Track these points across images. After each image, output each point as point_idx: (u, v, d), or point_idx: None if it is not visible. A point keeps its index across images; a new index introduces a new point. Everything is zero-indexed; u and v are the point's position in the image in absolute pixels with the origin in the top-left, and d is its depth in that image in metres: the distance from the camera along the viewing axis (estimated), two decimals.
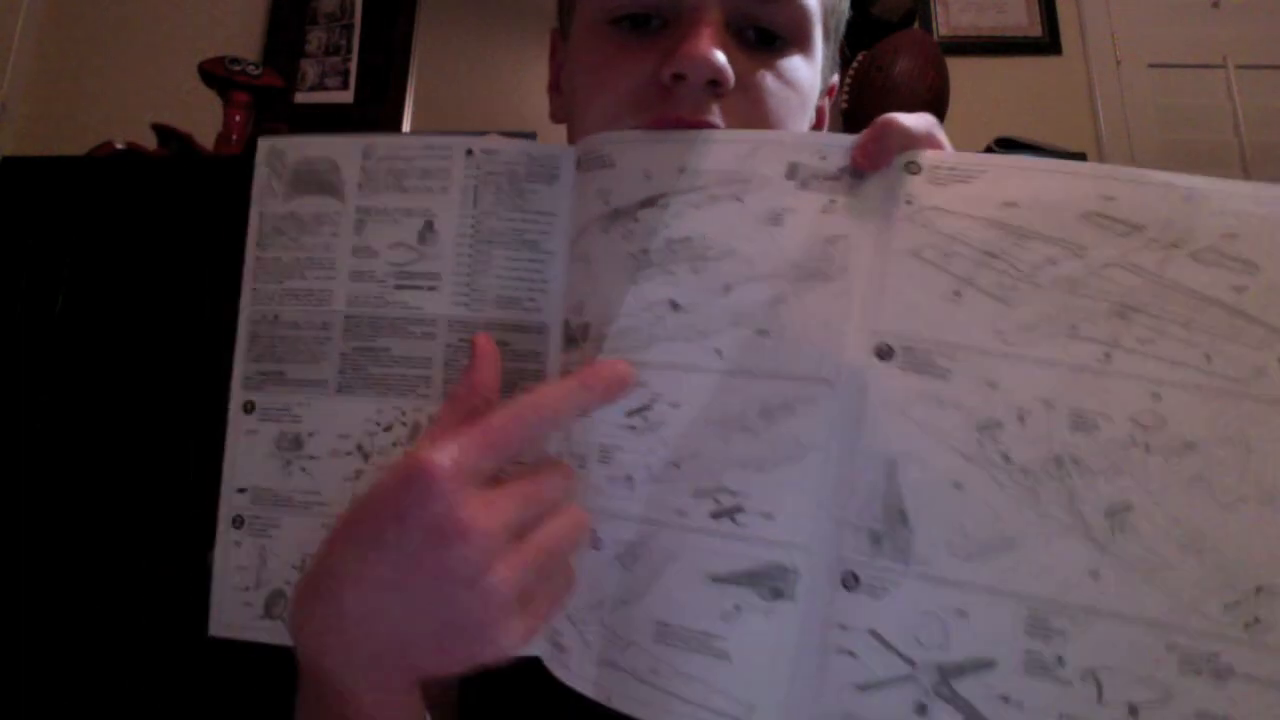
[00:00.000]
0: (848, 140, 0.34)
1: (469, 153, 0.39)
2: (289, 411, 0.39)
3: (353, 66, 1.67)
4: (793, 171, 0.34)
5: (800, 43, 0.43)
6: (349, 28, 1.69)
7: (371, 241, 0.39)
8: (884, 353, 0.32)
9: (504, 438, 0.30)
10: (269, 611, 0.38)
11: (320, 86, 1.66)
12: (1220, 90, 1.66)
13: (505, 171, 0.39)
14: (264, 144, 0.41)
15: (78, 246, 1.16)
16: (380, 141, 0.40)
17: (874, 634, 0.31)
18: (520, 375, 0.37)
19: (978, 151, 1.40)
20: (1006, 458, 0.30)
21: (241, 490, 0.39)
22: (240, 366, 0.40)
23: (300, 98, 1.65)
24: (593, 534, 0.35)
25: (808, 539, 0.32)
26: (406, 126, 1.63)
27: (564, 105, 0.49)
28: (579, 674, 0.35)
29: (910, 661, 0.30)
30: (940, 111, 1.39)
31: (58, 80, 1.71)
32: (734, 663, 0.32)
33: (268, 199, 0.41)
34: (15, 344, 1.13)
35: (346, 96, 1.65)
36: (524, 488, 0.31)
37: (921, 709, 0.30)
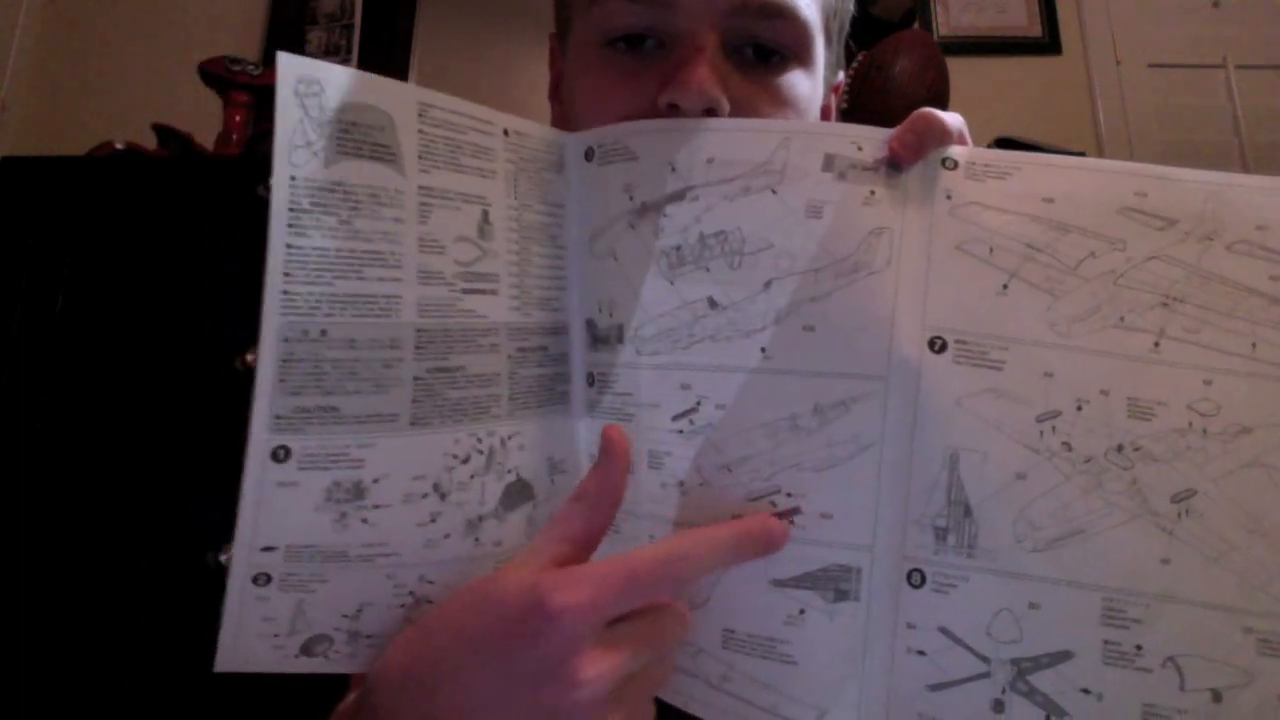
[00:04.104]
0: (883, 133, 0.34)
1: (505, 132, 0.35)
2: (346, 456, 0.30)
3: (353, 66, 1.67)
4: (829, 163, 0.34)
5: (799, 57, 0.43)
6: (349, 28, 1.69)
7: (438, 231, 0.32)
8: (937, 346, 0.32)
9: (644, 587, 0.28)
10: (308, 651, 0.32)
11: None
12: (1220, 90, 1.66)
13: (533, 157, 0.36)
14: (289, 65, 0.29)
15: (78, 246, 1.16)
16: (438, 100, 0.32)
17: (944, 631, 0.30)
18: (555, 380, 0.36)
19: None
20: (1068, 447, 0.30)
21: (269, 549, 0.30)
22: (268, 401, 0.29)
23: None
24: (651, 540, 0.34)
25: (869, 538, 0.32)
26: None
27: (563, 115, 0.49)
28: None
29: (984, 658, 0.30)
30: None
31: (58, 80, 1.71)
32: (801, 667, 0.32)
33: (302, 154, 0.29)
34: (15, 344, 1.13)
35: None
36: (643, 633, 0.29)
37: (999, 705, 0.30)
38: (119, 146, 1.29)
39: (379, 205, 0.30)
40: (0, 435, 1.10)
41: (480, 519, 0.33)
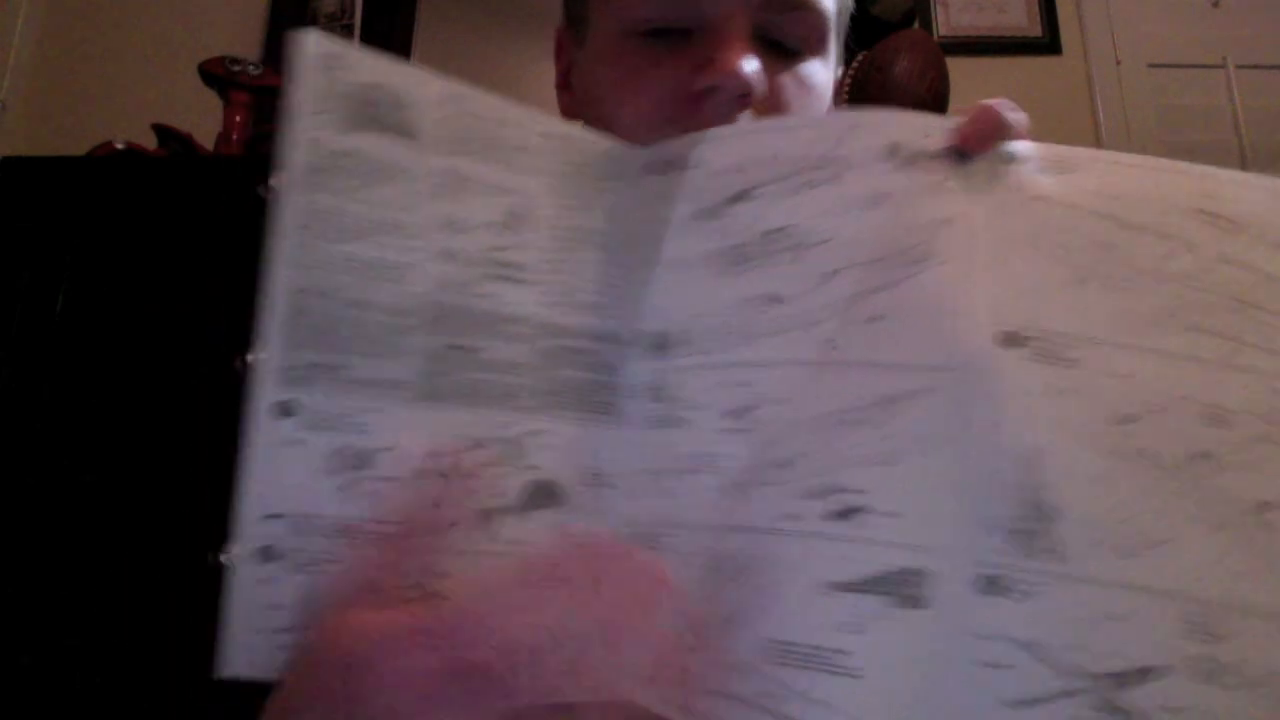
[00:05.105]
0: (949, 121, 0.33)
1: (549, 135, 0.35)
2: (351, 419, 0.30)
3: None
4: (893, 151, 0.33)
5: (818, 48, 0.44)
6: (349, 28, 1.70)
7: (461, 213, 0.32)
8: (1010, 341, 0.30)
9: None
10: None
11: None
12: (1220, 90, 1.66)
13: (583, 161, 0.35)
14: (309, 39, 0.31)
15: (78, 246, 1.16)
16: (466, 94, 0.33)
17: (1024, 644, 0.27)
18: (600, 388, 0.34)
19: None
20: (1148, 452, 0.28)
21: (275, 516, 0.29)
22: (275, 353, 0.29)
23: None
24: (707, 549, 0.32)
25: (940, 539, 0.29)
26: None
27: (576, 105, 0.49)
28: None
29: (1069, 673, 0.27)
30: (940, 111, 1.39)
31: (58, 80, 1.71)
32: (867, 681, 0.28)
33: (318, 120, 0.30)
34: (15, 344, 1.13)
35: None
36: None
37: None
38: (119, 146, 1.29)
39: (394, 177, 0.31)
40: (0, 435, 1.10)
41: (497, 513, 0.32)
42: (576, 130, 0.36)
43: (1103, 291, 0.30)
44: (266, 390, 0.29)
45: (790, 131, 0.34)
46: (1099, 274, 0.30)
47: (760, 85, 0.40)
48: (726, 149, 0.34)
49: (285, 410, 0.29)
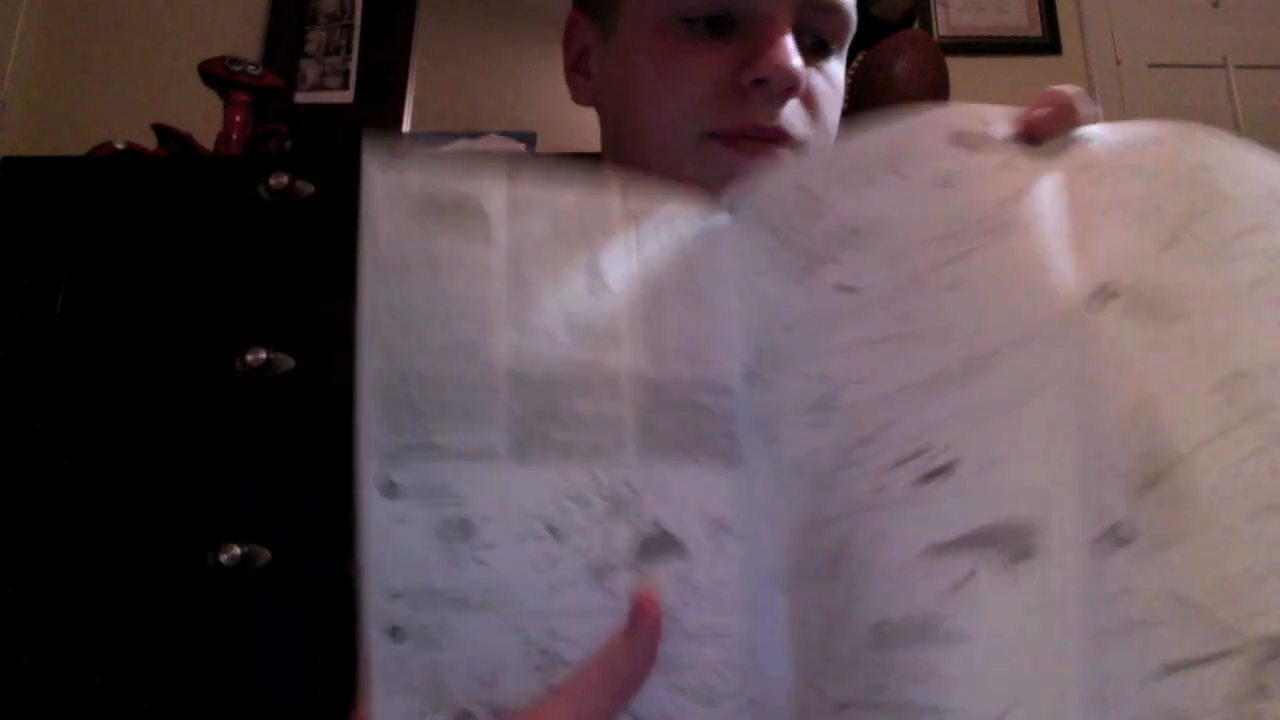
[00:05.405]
0: (1012, 111, 0.33)
1: (623, 196, 0.35)
2: (449, 491, 0.31)
3: (353, 66, 1.67)
4: (958, 139, 0.33)
5: (839, 47, 0.46)
6: (349, 28, 1.69)
7: (533, 288, 0.33)
8: (1104, 296, 0.29)
9: None
10: None
11: (320, 86, 1.66)
12: (1220, 90, 1.66)
13: (657, 212, 0.36)
14: (375, 160, 0.33)
15: (78, 246, 1.16)
16: (527, 169, 0.35)
17: (1174, 595, 0.24)
18: (711, 436, 0.33)
19: None
20: (1264, 411, 0.27)
21: (397, 595, 0.30)
22: (374, 439, 0.31)
23: (300, 98, 1.65)
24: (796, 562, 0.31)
25: (1050, 485, 0.27)
26: (407, 126, 1.63)
27: (594, 91, 0.50)
28: None
29: (1228, 630, 0.24)
30: None
31: (58, 80, 1.71)
32: (975, 644, 0.25)
33: (385, 228, 0.32)
34: (15, 344, 1.13)
35: (346, 96, 1.65)
36: None
37: (1261, 691, 0.24)
38: (119, 146, 1.29)
39: (463, 268, 0.32)
40: (0, 435, 1.10)
41: (609, 568, 0.32)
42: (648, 184, 0.36)
43: (1194, 256, 0.29)
44: (370, 473, 0.30)
45: (854, 145, 0.34)
46: (1187, 237, 0.29)
47: (806, 81, 0.41)
48: (784, 179, 0.35)
49: (390, 491, 0.31)
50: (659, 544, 0.32)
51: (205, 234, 1.16)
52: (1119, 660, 0.24)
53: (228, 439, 1.08)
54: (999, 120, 0.33)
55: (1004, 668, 0.25)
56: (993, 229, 0.30)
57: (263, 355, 1.08)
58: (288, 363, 1.09)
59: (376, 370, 0.31)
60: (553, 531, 0.31)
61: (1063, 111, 0.32)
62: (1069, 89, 0.33)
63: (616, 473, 0.31)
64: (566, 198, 0.34)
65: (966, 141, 0.32)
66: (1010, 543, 0.26)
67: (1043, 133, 0.32)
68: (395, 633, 0.30)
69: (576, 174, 0.35)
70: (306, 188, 1.13)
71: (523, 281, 0.33)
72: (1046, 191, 0.31)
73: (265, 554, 1.03)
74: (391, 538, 0.30)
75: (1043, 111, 0.32)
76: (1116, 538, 0.25)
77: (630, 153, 0.47)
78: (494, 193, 0.33)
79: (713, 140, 0.43)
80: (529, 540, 0.30)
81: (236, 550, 1.02)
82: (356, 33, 1.69)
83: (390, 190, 0.32)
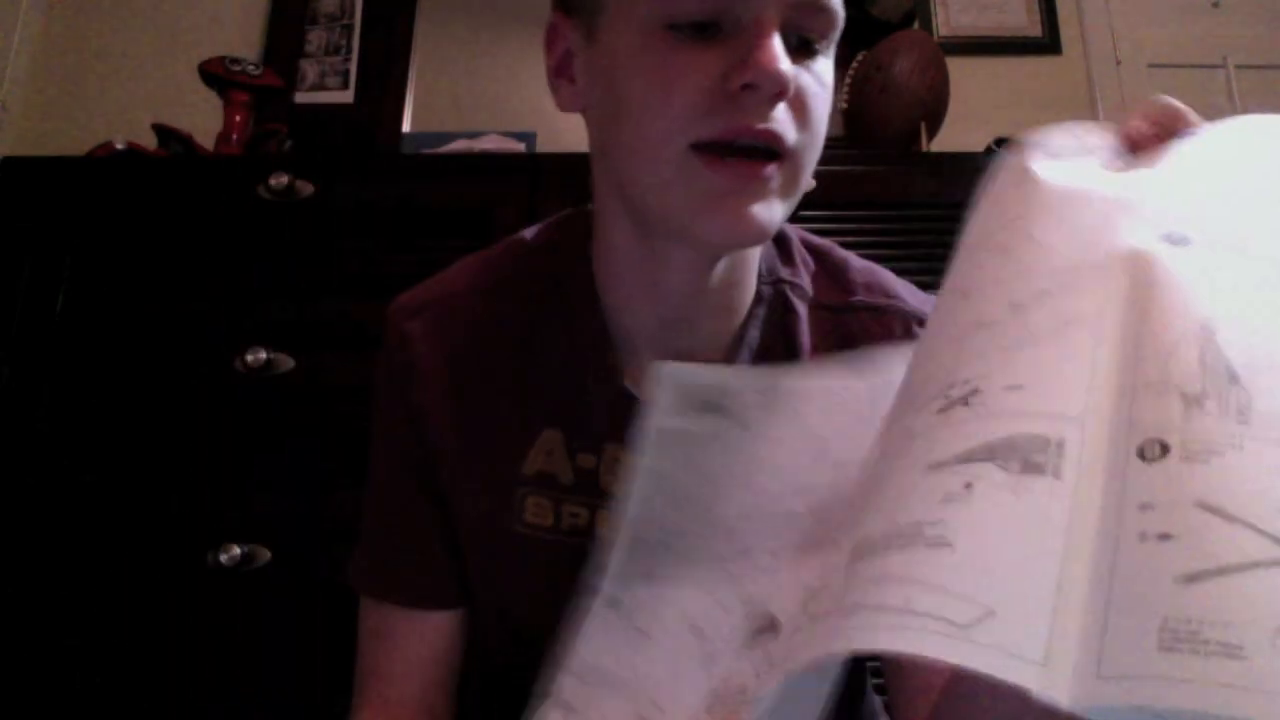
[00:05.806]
0: (1105, 126, 0.35)
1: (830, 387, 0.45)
2: (645, 606, 0.41)
3: (353, 66, 1.67)
4: (1049, 152, 0.35)
5: (829, 45, 0.46)
6: (349, 28, 1.69)
7: (770, 464, 0.42)
8: (1176, 239, 0.29)
9: None
10: None
11: (320, 86, 1.66)
12: (1220, 90, 1.66)
13: (855, 399, 0.44)
14: (665, 373, 0.44)
15: (78, 246, 1.16)
16: (783, 384, 0.44)
17: (1206, 506, 0.23)
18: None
19: (977, 153, 1.37)
20: None
21: (572, 674, 0.41)
22: (616, 566, 0.42)
23: (300, 98, 1.65)
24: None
25: (1076, 408, 0.26)
26: (406, 126, 1.63)
27: (581, 96, 0.50)
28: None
29: (1275, 538, 0.22)
30: (940, 111, 1.39)
31: (58, 80, 1.71)
32: (957, 551, 0.25)
33: (664, 414, 0.43)
34: (15, 344, 1.13)
35: (346, 96, 1.65)
36: None
37: None
38: (119, 146, 1.29)
39: (711, 441, 0.43)
40: (0, 435, 1.10)
41: (716, 655, 0.38)
42: (857, 378, 0.43)
43: (1264, 216, 0.30)
44: (605, 589, 0.41)
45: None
46: (1270, 201, 0.30)
47: (795, 83, 0.41)
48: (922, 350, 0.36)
49: (614, 602, 0.41)
50: (763, 628, 0.38)
51: (205, 234, 1.16)
52: (1137, 575, 0.24)
53: (228, 439, 1.08)
54: (1093, 134, 0.35)
55: (985, 577, 0.24)
56: (1061, 201, 0.33)
57: (263, 355, 1.08)
58: (288, 363, 1.09)
59: (634, 523, 0.42)
60: (695, 631, 0.40)
61: (1170, 126, 0.34)
62: (1177, 105, 0.34)
63: (740, 577, 0.40)
64: (803, 392, 0.44)
65: (1057, 152, 0.35)
66: (1019, 456, 0.26)
67: (1146, 146, 0.34)
68: (562, 704, 0.40)
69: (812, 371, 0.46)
70: (306, 188, 1.13)
71: (764, 456, 0.42)
72: (1123, 171, 0.33)
73: (265, 554, 1.03)
74: (594, 633, 0.41)
75: (1153, 128, 0.34)
76: (1147, 455, 0.25)
77: (618, 167, 0.48)
78: (746, 387, 0.44)
79: (700, 154, 0.43)
80: (683, 635, 0.40)
81: (236, 550, 1.02)
82: (356, 33, 1.69)
83: (674, 393, 0.43)
